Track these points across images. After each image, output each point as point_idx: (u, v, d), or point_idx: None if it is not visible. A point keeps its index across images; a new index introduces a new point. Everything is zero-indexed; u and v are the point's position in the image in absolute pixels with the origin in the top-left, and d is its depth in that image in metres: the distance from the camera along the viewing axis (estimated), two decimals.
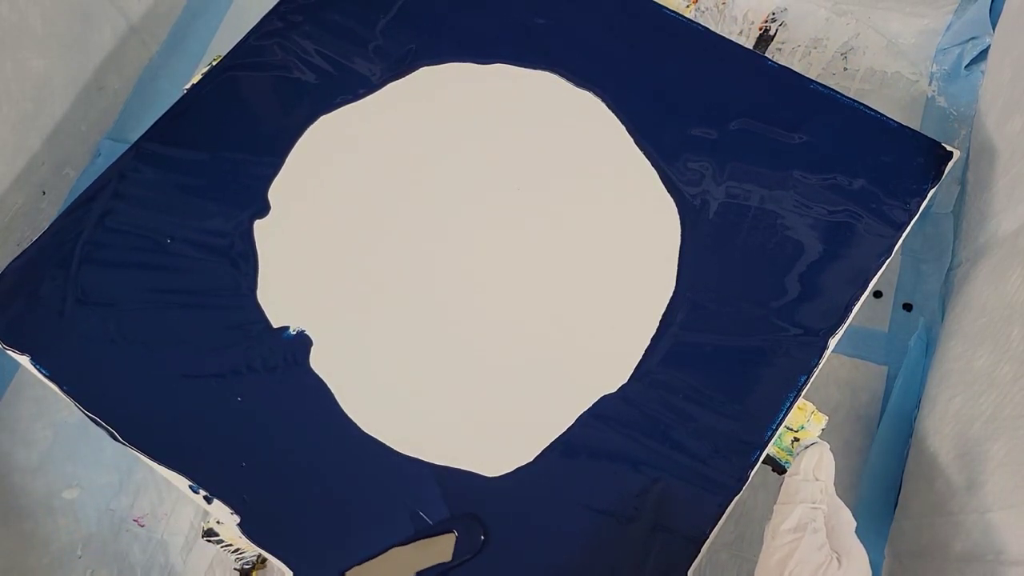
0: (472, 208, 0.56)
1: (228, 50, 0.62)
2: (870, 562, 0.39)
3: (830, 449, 0.42)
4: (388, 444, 0.49)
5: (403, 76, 0.60)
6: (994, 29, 0.68)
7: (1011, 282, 0.49)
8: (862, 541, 0.40)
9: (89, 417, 0.50)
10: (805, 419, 0.48)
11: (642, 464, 0.47)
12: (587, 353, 0.51)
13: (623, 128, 0.57)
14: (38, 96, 0.67)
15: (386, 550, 0.46)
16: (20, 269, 0.55)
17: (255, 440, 0.49)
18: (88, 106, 0.73)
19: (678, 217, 0.54)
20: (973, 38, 0.70)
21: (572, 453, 0.48)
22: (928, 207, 0.54)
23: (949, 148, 0.55)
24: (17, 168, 0.67)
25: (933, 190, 0.54)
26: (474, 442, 0.49)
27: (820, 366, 0.49)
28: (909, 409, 0.60)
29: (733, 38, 0.61)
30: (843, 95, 0.57)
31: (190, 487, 0.48)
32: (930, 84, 0.72)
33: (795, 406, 0.48)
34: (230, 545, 0.53)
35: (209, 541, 0.52)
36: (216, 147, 0.58)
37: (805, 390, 0.49)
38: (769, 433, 0.48)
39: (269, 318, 0.52)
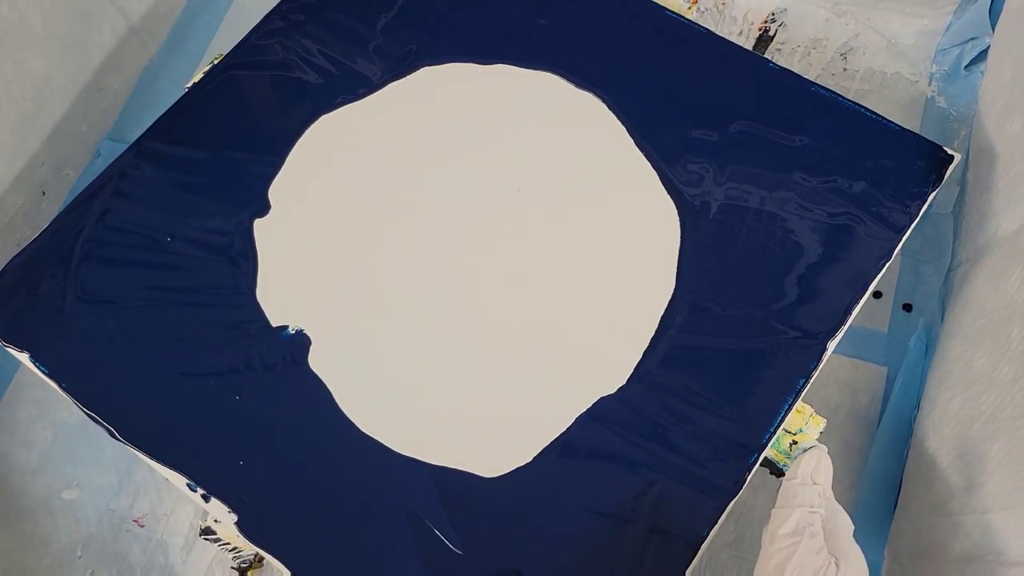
0: (472, 208, 0.56)
1: (229, 50, 0.62)
2: (870, 563, 0.39)
3: (828, 451, 0.42)
4: (386, 444, 0.49)
5: (404, 76, 0.60)
6: (994, 29, 0.68)
7: (1011, 282, 0.49)
8: (861, 542, 0.40)
9: (88, 415, 0.50)
10: (803, 422, 0.48)
11: (639, 466, 0.47)
12: (586, 354, 0.51)
13: (623, 129, 0.57)
14: (38, 96, 0.67)
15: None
16: (20, 266, 0.55)
17: (253, 439, 0.49)
18: (88, 106, 0.73)
19: (678, 219, 0.54)
20: (973, 38, 0.70)
21: (570, 454, 0.48)
22: (928, 208, 0.54)
23: (950, 152, 0.55)
24: (17, 168, 0.67)
25: (934, 193, 0.54)
26: (472, 442, 0.49)
27: (819, 369, 0.49)
28: (909, 410, 0.60)
29: (733, 38, 0.61)
30: (844, 98, 0.57)
31: (188, 485, 0.48)
32: (930, 84, 0.72)
33: (793, 409, 0.48)
34: (227, 543, 0.53)
35: (206, 539, 0.52)
36: (217, 146, 0.58)
37: (804, 393, 0.49)
38: (767, 436, 0.47)
39: (268, 317, 0.52)
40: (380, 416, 0.50)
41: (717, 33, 0.61)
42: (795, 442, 0.48)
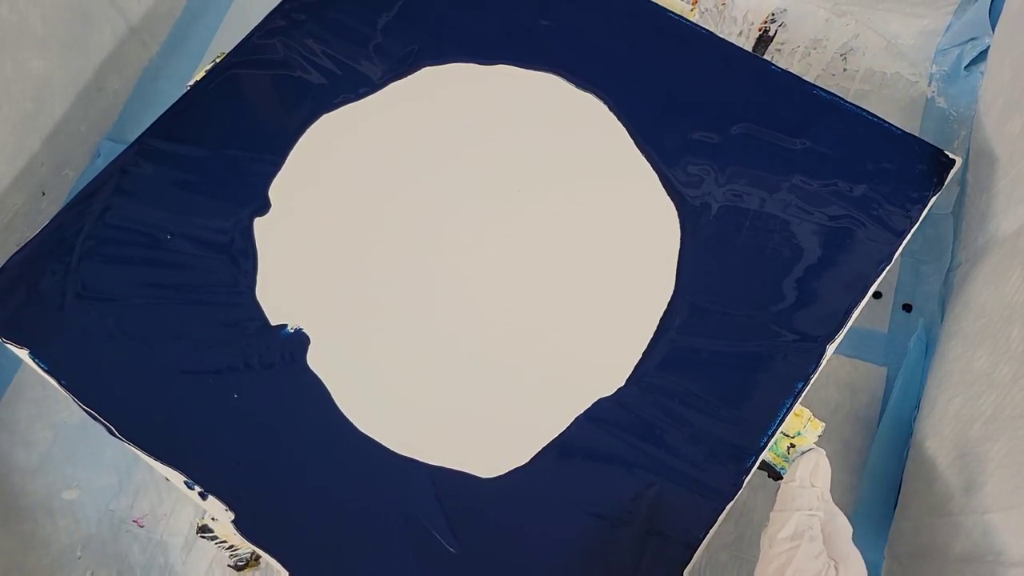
0: (472, 209, 0.56)
1: (229, 49, 0.62)
2: (869, 563, 0.39)
3: (827, 454, 0.42)
4: (384, 444, 0.49)
5: (405, 76, 0.60)
6: (994, 30, 0.68)
7: (1011, 283, 0.49)
8: (861, 542, 0.40)
9: (86, 412, 0.50)
10: (801, 425, 0.48)
11: (637, 468, 0.47)
12: (584, 355, 0.51)
13: (624, 130, 0.57)
14: (38, 97, 0.67)
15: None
16: (21, 263, 0.55)
17: (251, 437, 0.49)
18: (88, 107, 0.73)
19: (678, 220, 0.54)
20: (973, 39, 0.70)
21: (567, 455, 0.48)
22: (928, 209, 0.54)
23: (951, 156, 0.55)
24: (17, 168, 0.67)
25: (935, 197, 0.54)
26: (470, 443, 0.49)
27: (818, 373, 0.49)
28: (909, 410, 0.60)
29: (732, 39, 0.61)
30: (845, 100, 0.57)
31: (185, 483, 0.48)
32: (930, 85, 0.72)
33: (792, 412, 0.48)
34: (224, 542, 0.53)
35: (203, 537, 0.52)
36: (218, 144, 0.58)
37: (802, 396, 0.48)
38: (765, 439, 0.47)
39: (267, 316, 0.52)
40: (378, 416, 0.49)
41: (717, 34, 0.61)
42: (793, 445, 0.48)
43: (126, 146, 0.59)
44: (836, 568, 0.38)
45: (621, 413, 0.49)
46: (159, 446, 0.49)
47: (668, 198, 0.55)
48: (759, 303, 0.51)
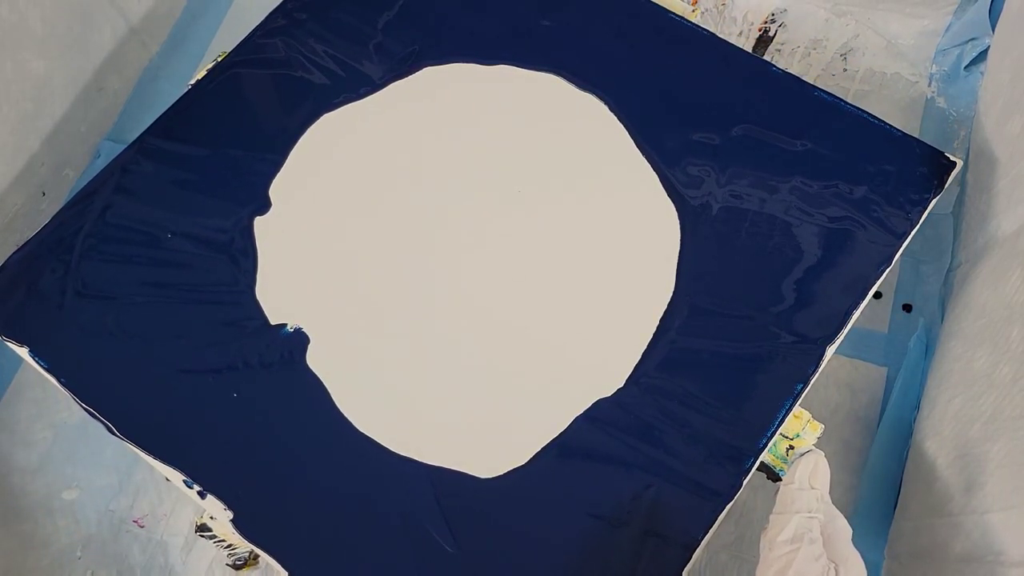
0: (472, 209, 0.56)
1: (230, 49, 0.62)
2: (869, 563, 0.39)
3: (826, 454, 0.42)
4: (383, 444, 0.49)
5: (406, 76, 0.60)
6: (993, 30, 0.68)
7: (1011, 283, 0.49)
8: (861, 542, 0.40)
9: (86, 410, 0.50)
10: (801, 427, 0.48)
11: (636, 468, 0.47)
12: (584, 356, 0.51)
13: (625, 131, 0.57)
14: (38, 97, 0.67)
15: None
16: (21, 261, 0.55)
17: (250, 436, 0.49)
18: (88, 107, 0.73)
19: (678, 221, 0.54)
20: (973, 39, 0.70)
21: (566, 456, 0.48)
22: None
23: (952, 158, 0.55)
24: (17, 169, 0.67)
25: (935, 200, 0.54)
26: (469, 443, 0.49)
27: (817, 374, 0.49)
28: (908, 410, 0.60)
29: (732, 39, 0.61)
30: (846, 102, 0.57)
31: (184, 482, 0.48)
32: (930, 85, 0.72)
33: (791, 414, 0.48)
34: (223, 541, 0.53)
35: (202, 536, 0.52)
36: (218, 143, 0.58)
37: (802, 397, 0.48)
38: (764, 441, 0.47)
39: (267, 315, 0.52)
40: (377, 416, 0.49)
41: (717, 34, 0.61)
42: (792, 447, 0.48)
43: (126, 146, 0.59)
44: (836, 570, 0.38)
45: (620, 414, 0.49)
46: (158, 445, 0.49)
47: (668, 199, 0.55)
48: (759, 304, 0.51)
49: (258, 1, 0.68)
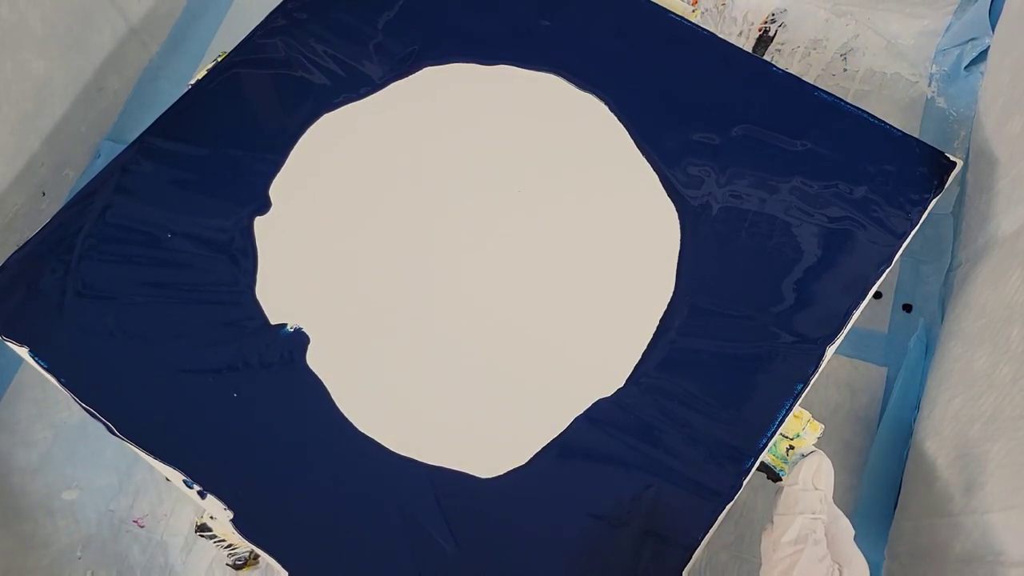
0: (472, 209, 0.56)
1: (230, 49, 0.62)
2: (870, 563, 0.39)
3: (827, 454, 0.42)
4: (383, 444, 0.49)
5: (406, 76, 0.60)
6: (994, 30, 0.68)
7: (1011, 283, 0.49)
8: (861, 542, 0.40)
9: (86, 410, 0.50)
10: (801, 427, 0.48)
11: (635, 469, 0.47)
12: (584, 356, 0.51)
13: (625, 131, 0.57)
14: (38, 97, 0.67)
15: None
16: (21, 261, 0.55)
17: (250, 436, 0.49)
18: (88, 107, 0.73)
19: (678, 221, 0.54)
20: (973, 39, 0.70)
21: (566, 456, 0.48)
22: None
23: (952, 158, 0.55)
24: (17, 169, 0.67)
25: (935, 200, 0.54)
26: (469, 443, 0.49)
27: (817, 374, 0.49)
28: (909, 410, 0.60)
29: (732, 39, 0.61)
30: (846, 102, 0.57)
31: (184, 482, 0.48)
32: (930, 85, 0.72)
33: (791, 414, 0.48)
34: (223, 540, 0.53)
35: (202, 536, 0.52)
36: (218, 143, 0.58)
37: (802, 398, 0.48)
38: (764, 441, 0.47)
39: (267, 315, 0.52)
40: (377, 416, 0.49)
41: (717, 34, 0.61)
42: (792, 447, 0.48)
43: (126, 146, 0.59)
44: (840, 571, 0.38)
45: (620, 414, 0.49)
46: (158, 444, 0.49)
47: (668, 199, 0.55)
48: (759, 304, 0.51)
49: (258, 1, 0.68)
